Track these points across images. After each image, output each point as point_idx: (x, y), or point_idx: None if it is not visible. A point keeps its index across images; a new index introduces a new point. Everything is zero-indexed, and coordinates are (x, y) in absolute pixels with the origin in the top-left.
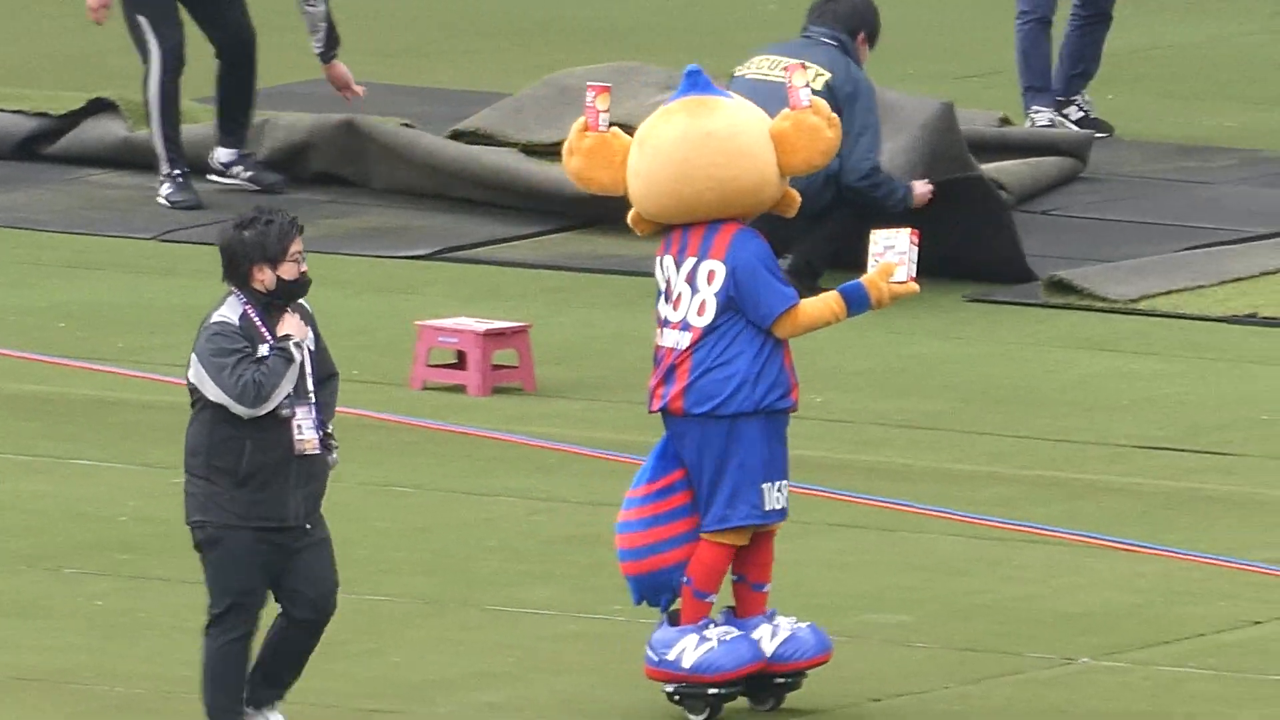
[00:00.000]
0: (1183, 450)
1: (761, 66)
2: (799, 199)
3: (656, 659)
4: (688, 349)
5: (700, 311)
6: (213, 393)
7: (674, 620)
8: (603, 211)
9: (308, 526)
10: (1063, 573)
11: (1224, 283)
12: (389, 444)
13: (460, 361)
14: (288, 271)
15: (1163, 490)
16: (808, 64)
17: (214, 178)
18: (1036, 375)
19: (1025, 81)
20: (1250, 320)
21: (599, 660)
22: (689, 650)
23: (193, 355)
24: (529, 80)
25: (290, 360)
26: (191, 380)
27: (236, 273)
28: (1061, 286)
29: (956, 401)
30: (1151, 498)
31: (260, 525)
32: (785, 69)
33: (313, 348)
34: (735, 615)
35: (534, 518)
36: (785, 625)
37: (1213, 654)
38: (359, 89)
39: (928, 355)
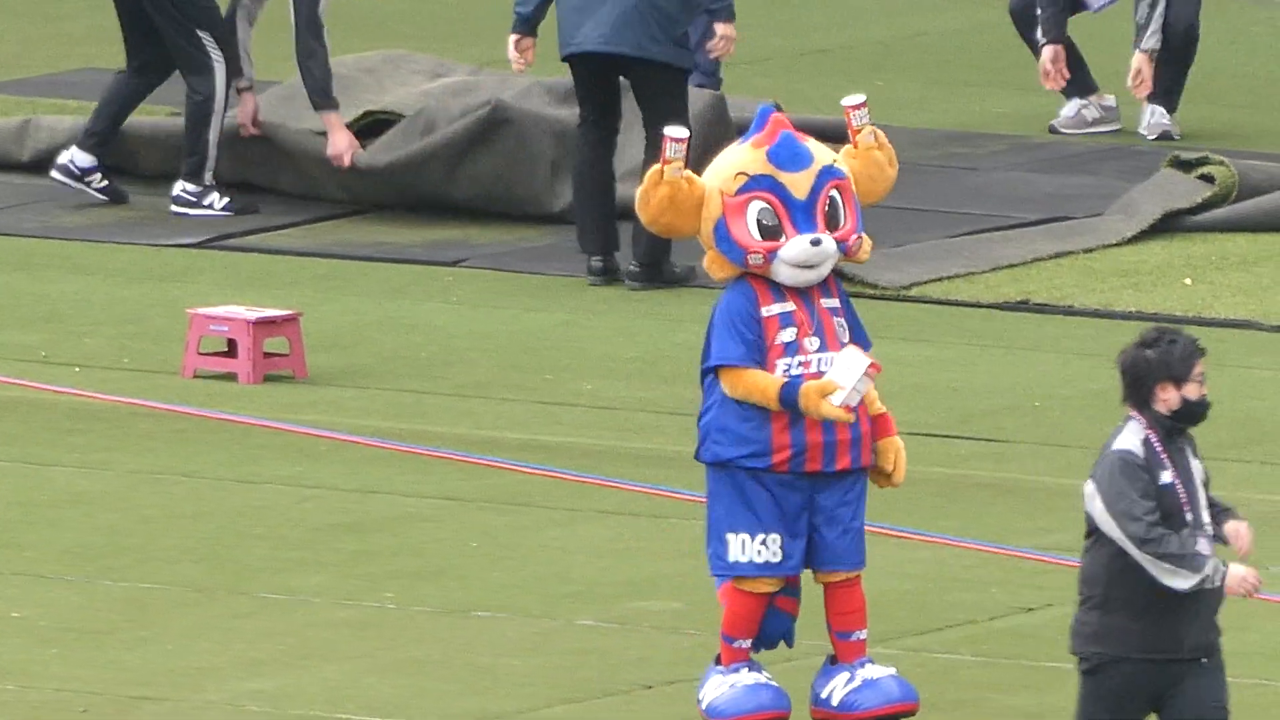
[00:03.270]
0: (954, 437)
1: None
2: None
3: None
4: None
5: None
6: (1105, 525)
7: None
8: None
9: (1203, 660)
10: None
11: (995, 269)
12: (160, 432)
13: (231, 349)
14: (1191, 392)
15: (934, 477)
16: None
17: (60, 176)
18: None
19: None
20: (1022, 307)
21: (369, 647)
22: (709, 691)
23: (1091, 483)
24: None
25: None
26: (1088, 509)
27: (1139, 393)
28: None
29: None
30: (923, 485)
31: (1151, 657)
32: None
33: (1206, 481)
34: (830, 664)
35: (303, 505)
36: (864, 674)
37: (985, 641)
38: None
39: (697, 342)
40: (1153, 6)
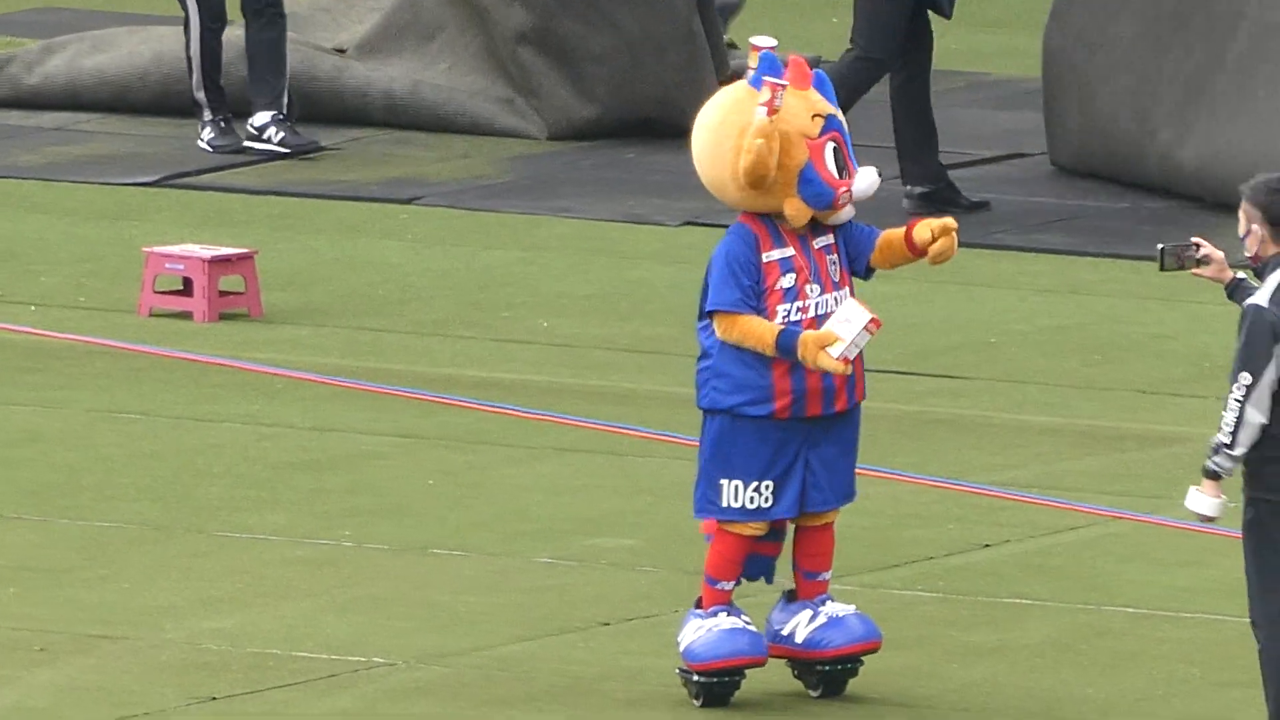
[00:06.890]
0: (911, 374)
1: None
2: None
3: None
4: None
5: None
6: None
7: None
8: None
9: None
10: None
11: None
12: (116, 370)
13: (187, 288)
14: None
15: (891, 413)
16: None
17: (249, 143)
18: None
19: None
20: (979, 243)
21: (326, 585)
22: (688, 634)
23: None
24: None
25: None
26: None
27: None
28: None
29: (681, 326)
30: (879, 421)
31: None
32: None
33: None
34: (789, 601)
35: (260, 443)
36: (827, 610)
37: (942, 577)
38: None
39: (651, 279)
40: None
